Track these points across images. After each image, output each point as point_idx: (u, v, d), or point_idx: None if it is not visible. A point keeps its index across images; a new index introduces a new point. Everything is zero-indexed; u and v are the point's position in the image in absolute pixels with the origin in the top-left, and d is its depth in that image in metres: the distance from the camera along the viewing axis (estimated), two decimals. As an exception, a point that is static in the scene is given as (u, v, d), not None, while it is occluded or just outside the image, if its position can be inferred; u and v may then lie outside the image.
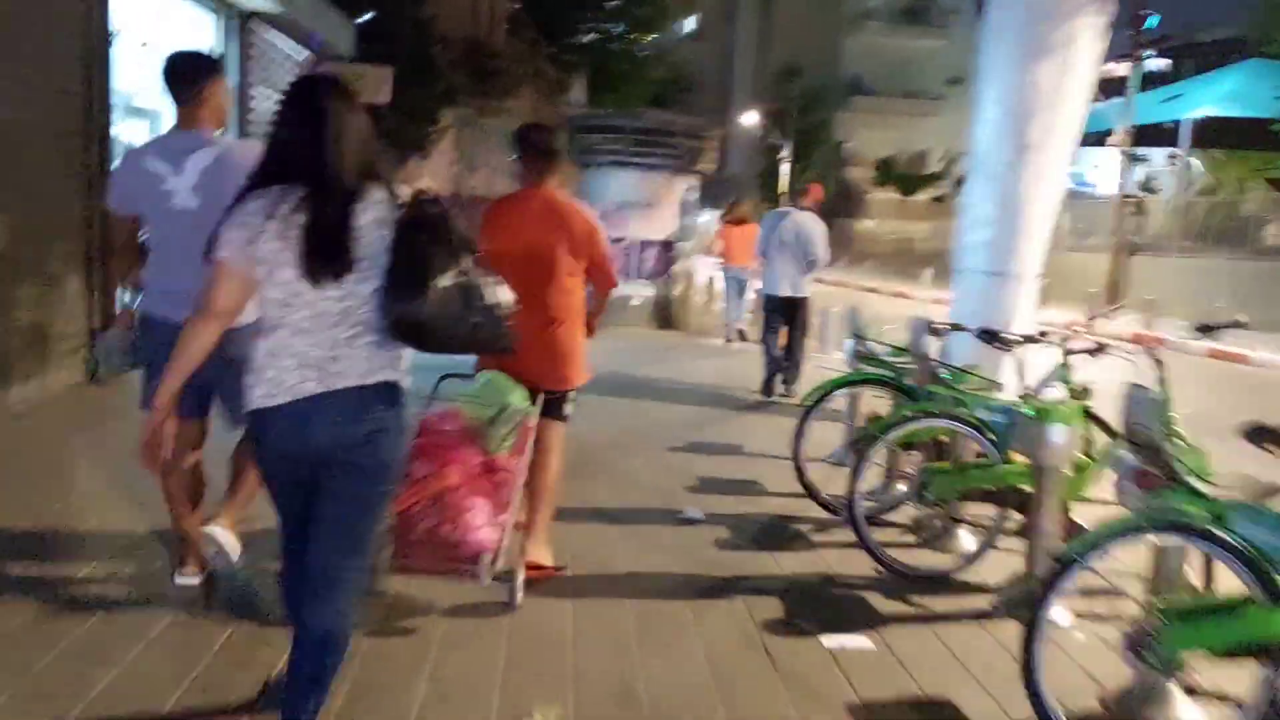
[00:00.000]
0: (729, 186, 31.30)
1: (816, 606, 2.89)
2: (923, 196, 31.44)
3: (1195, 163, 16.94)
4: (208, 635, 2.39)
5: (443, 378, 2.78)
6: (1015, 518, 3.17)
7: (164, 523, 2.71)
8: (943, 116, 36.57)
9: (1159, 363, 3.11)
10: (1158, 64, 16.33)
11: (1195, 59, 27.60)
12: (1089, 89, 5.40)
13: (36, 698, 2.10)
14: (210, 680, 2.21)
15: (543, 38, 16.27)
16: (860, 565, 3.20)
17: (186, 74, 2.44)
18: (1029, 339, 3.36)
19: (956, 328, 3.66)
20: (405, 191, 1.73)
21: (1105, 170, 17.47)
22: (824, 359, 8.41)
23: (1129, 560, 2.57)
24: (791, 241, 6.14)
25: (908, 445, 3.52)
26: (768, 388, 6.29)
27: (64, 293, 5.19)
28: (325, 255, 1.64)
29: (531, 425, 2.67)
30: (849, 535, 3.47)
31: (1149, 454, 2.04)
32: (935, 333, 3.65)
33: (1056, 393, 3.57)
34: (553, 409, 2.84)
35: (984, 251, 5.56)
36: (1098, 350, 3.27)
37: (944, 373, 3.39)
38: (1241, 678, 2.08)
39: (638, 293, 9.61)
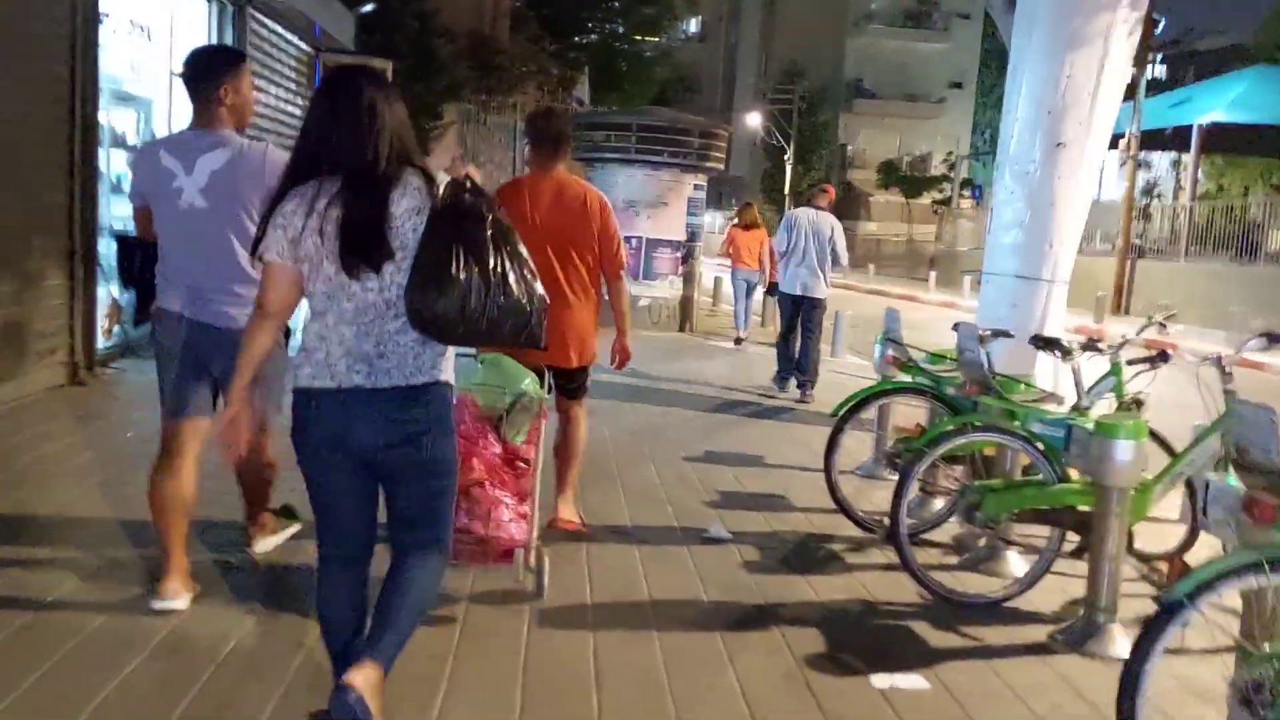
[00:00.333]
0: (733, 187, 31.20)
1: (860, 638, 2.64)
2: (926, 199, 31.24)
3: (1192, 166, 16.76)
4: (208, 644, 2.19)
5: None
6: (1070, 539, 2.93)
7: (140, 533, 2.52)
8: (944, 120, 36.57)
9: (1227, 374, 2.87)
10: (1156, 70, 16.18)
11: (1194, 66, 27.54)
12: (1123, 85, 5.18)
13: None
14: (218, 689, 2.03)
15: (547, 35, 16.06)
16: (903, 590, 2.95)
17: (206, 71, 2.41)
18: (1089, 346, 3.11)
19: (1000, 334, 3.40)
20: (444, 179, 1.70)
21: (1108, 174, 17.30)
22: (836, 362, 8.22)
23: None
24: (811, 241, 6.12)
25: (950, 459, 3.27)
26: (781, 383, 6.34)
27: (44, 290, 4.91)
28: (362, 248, 1.63)
29: (545, 412, 2.64)
30: (886, 556, 3.23)
31: (1268, 480, 1.79)
32: (980, 340, 3.40)
33: (1106, 404, 3.34)
34: (569, 389, 2.96)
35: (1013, 254, 5.32)
36: (1159, 360, 3.03)
37: (994, 382, 3.13)
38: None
39: (646, 294, 9.38)
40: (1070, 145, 5.08)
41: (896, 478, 3.58)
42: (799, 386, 6.30)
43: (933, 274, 20.84)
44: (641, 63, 22.46)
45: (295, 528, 2.86)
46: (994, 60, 37.96)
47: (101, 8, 5.43)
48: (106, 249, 5.78)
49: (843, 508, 3.54)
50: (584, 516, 3.15)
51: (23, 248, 4.75)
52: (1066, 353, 3.04)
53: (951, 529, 3.48)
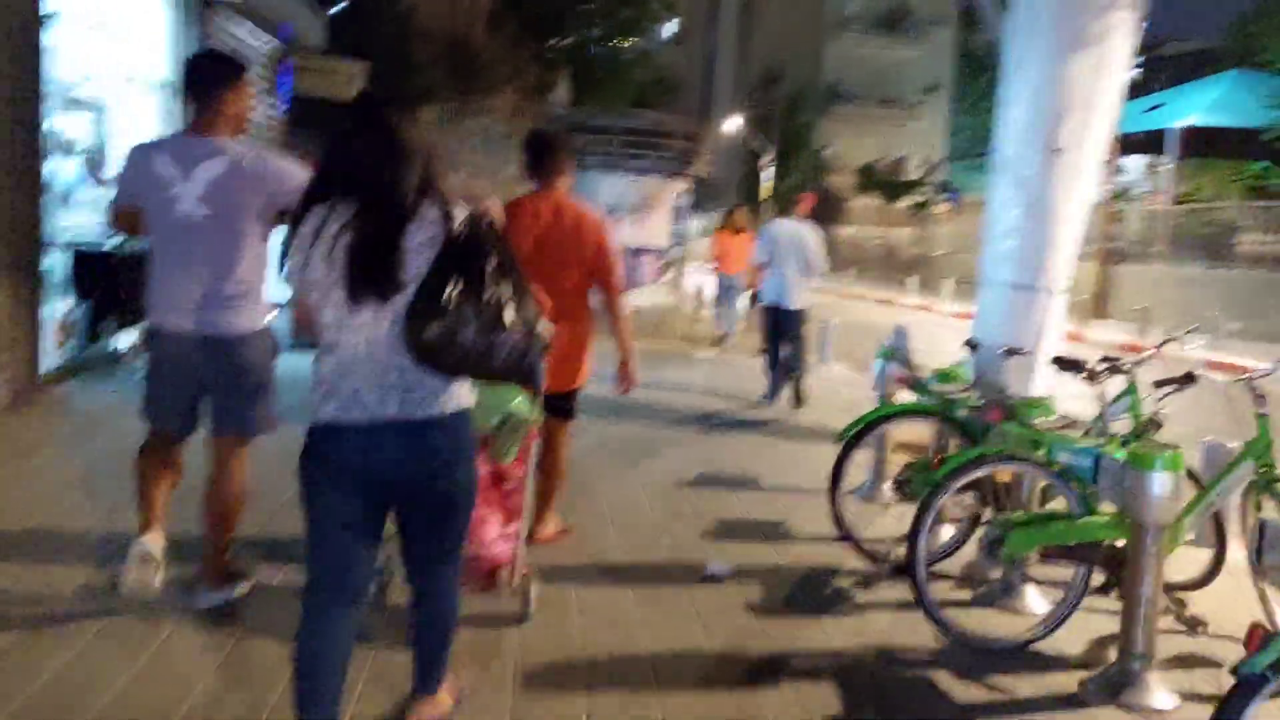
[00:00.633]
0: (712, 192, 31.10)
1: (882, 694, 2.41)
2: (904, 203, 31.39)
3: (1170, 171, 16.94)
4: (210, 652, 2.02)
5: None
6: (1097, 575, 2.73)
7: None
8: (920, 124, 36.84)
9: (1259, 396, 2.70)
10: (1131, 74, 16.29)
11: (1167, 71, 27.99)
12: (1123, 88, 5.04)
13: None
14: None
15: (526, 36, 15.78)
16: (920, 633, 2.74)
17: (211, 77, 2.39)
18: (1115, 369, 2.91)
19: (1013, 352, 3.20)
20: (461, 212, 1.67)
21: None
22: (825, 371, 8.05)
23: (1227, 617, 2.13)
24: (789, 251, 6.15)
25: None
26: (773, 393, 6.30)
27: (-15, 306, 4.55)
28: (370, 276, 1.61)
29: (535, 432, 2.59)
30: (898, 592, 3.02)
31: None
32: (974, 349, 3.20)
33: (1121, 425, 3.16)
34: (557, 410, 2.90)
35: (1010, 262, 5.13)
36: (1186, 381, 2.86)
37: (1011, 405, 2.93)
38: None
39: (629, 303, 9.14)
40: (1069, 150, 4.94)
41: (898, 500, 3.40)
42: (794, 393, 6.26)
43: (914, 278, 20.85)
44: (620, 66, 22.28)
45: (245, 587, 2.61)
46: (968, 65, 38.40)
47: (50, 6, 5.08)
48: (56, 262, 5.44)
49: (848, 537, 3.32)
50: (563, 523, 3.15)
51: (-39, 261, 4.40)
52: (1092, 375, 2.84)
53: (960, 557, 3.28)
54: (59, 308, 5.30)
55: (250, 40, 7.48)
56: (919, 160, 32.61)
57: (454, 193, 1.72)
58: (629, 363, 2.98)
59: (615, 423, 5.24)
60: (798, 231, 6.25)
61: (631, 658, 2.49)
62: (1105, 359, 2.99)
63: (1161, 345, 3.23)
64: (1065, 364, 2.92)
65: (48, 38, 4.98)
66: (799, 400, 6.25)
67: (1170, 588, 3.09)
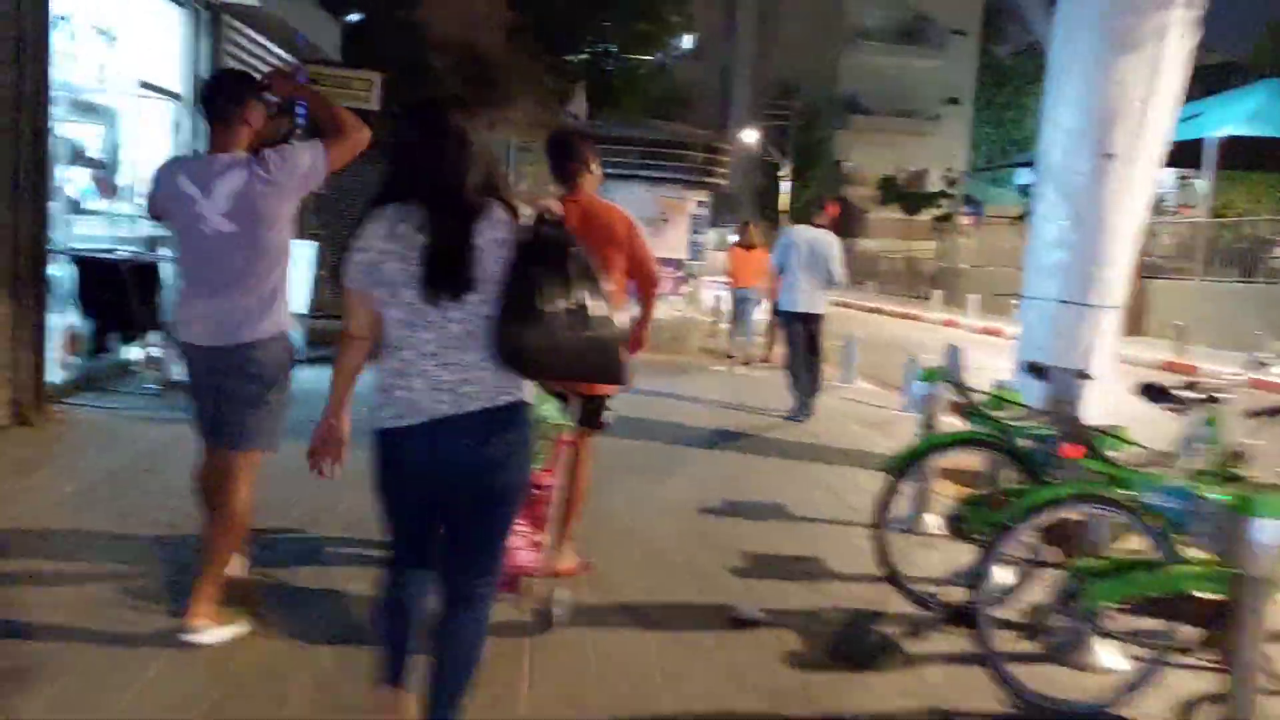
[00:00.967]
0: (729, 204, 30.95)
1: (942, 769, 2.11)
2: (925, 216, 30.95)
3: (1201, 183, 16.43)
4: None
5: None
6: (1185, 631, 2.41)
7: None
8: (939, 136, 36.42)
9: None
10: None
11: (1194, 84, 27.38)
12: (1178, 91, 4.73)
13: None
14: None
15: (543, 48, 15.72)
16: (980, 691, 2.42)
17: (231, 91, 2.42)
18: (1213, 397, 2.59)
19: (1083, 375, 2.88)
20: (528, 212, 1.70)
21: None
22: (849, 390, 7.73)
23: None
24: (808, 259, 6.09)
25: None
26: (800, 411, 6.16)
27: (-18, 319, 4.38)
28: (445, 275, 1.65)
29: (567, 439, 2.57)
30: (950, 642, 2.72)
31: None
32: (1039, 372, 2.90)
33: (1198, 460, 2.83)
34: (589, 418, 2.80)
35: (1058, 277, 4.84)
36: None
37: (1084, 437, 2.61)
38: None
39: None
40: (1121, 156, 4.62)
41: (951, 537, 3.09)
42: (800, 404, 6.20)
43: (937, 292, 20.43)
44: (636, 79, 22.23)
45: (238, 631, 2.38)
46: (989, 76, 37.99)
47: (59, 10, 4.95)
48: (63, 273, 5.29)
49: (894, 581, 3.01)
50: (584, 559, 2.95)
51: (-43, 272, 4.24)
52: (1183, 405, 2.53)
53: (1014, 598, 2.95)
54: (65, 320, 5.13)
55: (264, 50, 7.36)
56: (939, 172, 32.17)
57: (514, 193, 1.75)
58: (645, 327, 2.93)
59: (632, 438, 4.96)
60: (818, 238, 6.16)
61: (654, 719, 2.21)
62: (1191, 385, 2.67)
63: (1245, 372, 2.89)
64: (1153, 392, 2.58)
65: (56, 42, 4.85)
66: (808, 412, 6.19)
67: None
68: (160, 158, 5.75)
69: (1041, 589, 3.08)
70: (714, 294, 11.51)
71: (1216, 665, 2.22)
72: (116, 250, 5.58)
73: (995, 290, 18.50)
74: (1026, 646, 2.76)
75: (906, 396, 4.12)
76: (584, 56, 20.16)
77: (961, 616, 2.90)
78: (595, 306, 1.66)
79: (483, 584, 1.82)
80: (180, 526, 3.13)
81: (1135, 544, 2.79)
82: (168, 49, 6.40)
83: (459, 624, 1.79)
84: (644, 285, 2.93)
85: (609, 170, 8.66)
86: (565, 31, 18.44)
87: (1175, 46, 4.55)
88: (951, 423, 4.33)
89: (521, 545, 2.43)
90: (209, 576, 2.36)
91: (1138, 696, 2.38)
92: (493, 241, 1.67)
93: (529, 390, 1.78)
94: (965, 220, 25.89)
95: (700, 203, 9.39)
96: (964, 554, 3.32)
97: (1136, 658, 2.43)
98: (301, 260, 6.16)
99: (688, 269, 9.34)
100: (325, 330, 4.48)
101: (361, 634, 2.45)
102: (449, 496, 1.75)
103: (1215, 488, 2.23)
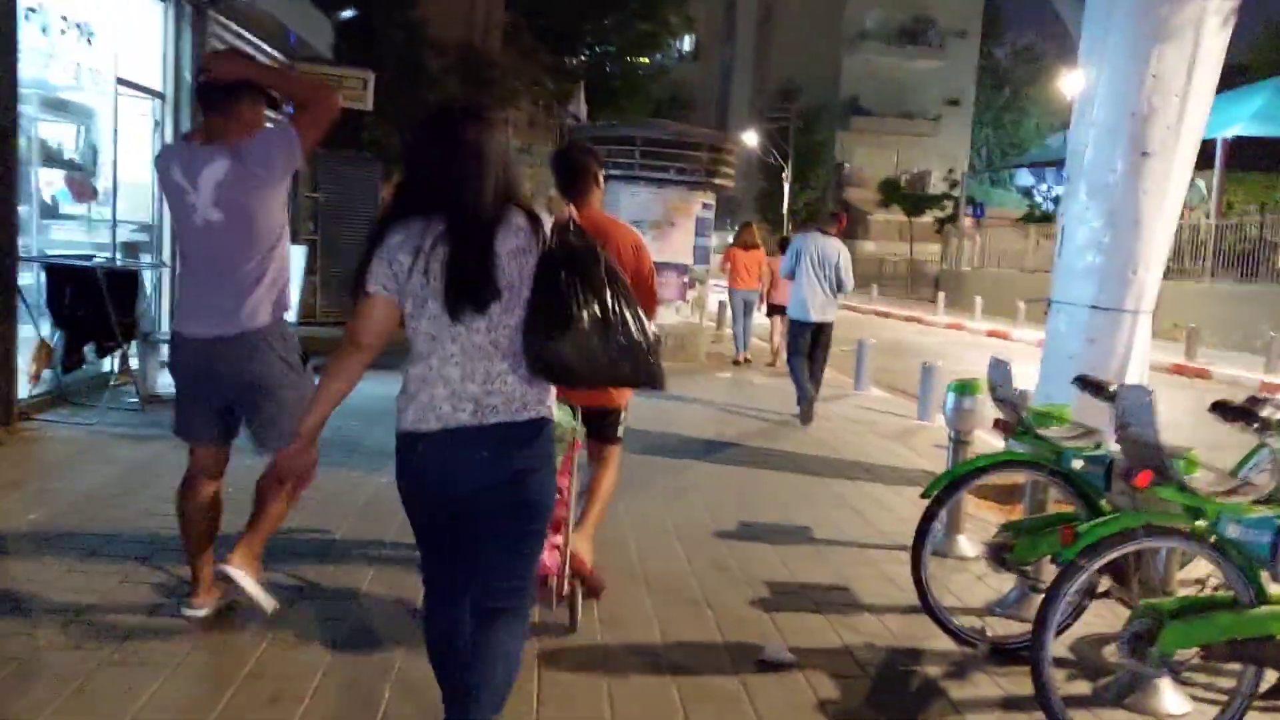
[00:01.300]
0: (730, 206, 30.75)
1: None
2: (928, 218, 30.72)
3: (1201, 184, 16.21)
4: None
5: None
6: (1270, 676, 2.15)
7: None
8: (940, 137, 36.22)
9: None
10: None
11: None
12: (1214, 85, 4.48)
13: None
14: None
15: (542, 47, 15.47)
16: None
17: (224, 89, 2.37)
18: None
19: (1136, 390, 2.60)
20: (549, 221, 1.68)
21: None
22: (861, 397, 7.48)
23: None
24: (819, 267, 6.17)
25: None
26: (806, 413, 6.22)
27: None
28: (468, 288, 1.63)
29: (579, 444, 2.57)
30: (996, 683, 2.47)
31: None
32: (1106, 393, 2.63)
33: (1259, 486, 2.56)
34: (603, 431, 2.80)
35: (1089, 280, 4.56)
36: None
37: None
38: None
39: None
40: (1157, 154, 4.36)
41: (993, 568, 2.82)
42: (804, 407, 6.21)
43: (941, 295, 20.21)
44: (637, 80, 22.03)
45: (271, 601, 2.46)
46: (989, 78, 37.82)
47: (29, 2, 4.69)
48: (35, 282, 5.02)
49: (933, 614, 2.74)
50: (602, 579, 2.81)
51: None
52: (1265, 426, 2.25)
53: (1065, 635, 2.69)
54: (37, 331, 4.86)
55: (250, 48, 7.09)
56: (942, 174, 31.97)
57: (530, 200, 1.72)
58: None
59: (640, 453, 4.69)
60: (829, 247, 6.23)
61: (681, 791, 1.94)
62: (1260, 402, 2.39)
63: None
64: (1229, 412, 2.31)
65: (26, 36, 4.58)
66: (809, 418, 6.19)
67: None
68: (140, 159, 5.41)
69: (1097, 622, 2.81)
70: (717, 299, 11.27)
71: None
72: (95, 257, 5.30)
73: (999, 293, 18.27)
74: (1082, 688, 2.51)
75: (943, 411, 3.86)
76: (584, 57, 19.96)
77: (1009, 653, 2.64)
78: (629, 312, 1.64)
79: (508, 603, 1.77)
80: (156, 559, 2.87)
81: (1199, 572, 2.54)
82: (149, 45, 6.14)
83: (483, 641, 1.75)
84: (644, 304, 2.82)
85: (613, 172, 8.48)
86: (565, 32, 18.24)
87: (1212, 38, 4.30)
88: (983, 438, 4.06)
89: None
90: (258, 531, 2.43)
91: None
92: (514, 251, 1.64)
93: (553, 405, 1.74)
94: (966, 222, 25.66)
95: (706, 204, 9.10)
96: (1003, 580, 3.06)
97: (1199, 700, 2.16)
98: (292, 263, 5.90)
99: (694, 274, 9.06)
100: (312, 338, 4.19)
101: (379, 636, 2.48)
102: (467, 509, 1.70)
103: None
